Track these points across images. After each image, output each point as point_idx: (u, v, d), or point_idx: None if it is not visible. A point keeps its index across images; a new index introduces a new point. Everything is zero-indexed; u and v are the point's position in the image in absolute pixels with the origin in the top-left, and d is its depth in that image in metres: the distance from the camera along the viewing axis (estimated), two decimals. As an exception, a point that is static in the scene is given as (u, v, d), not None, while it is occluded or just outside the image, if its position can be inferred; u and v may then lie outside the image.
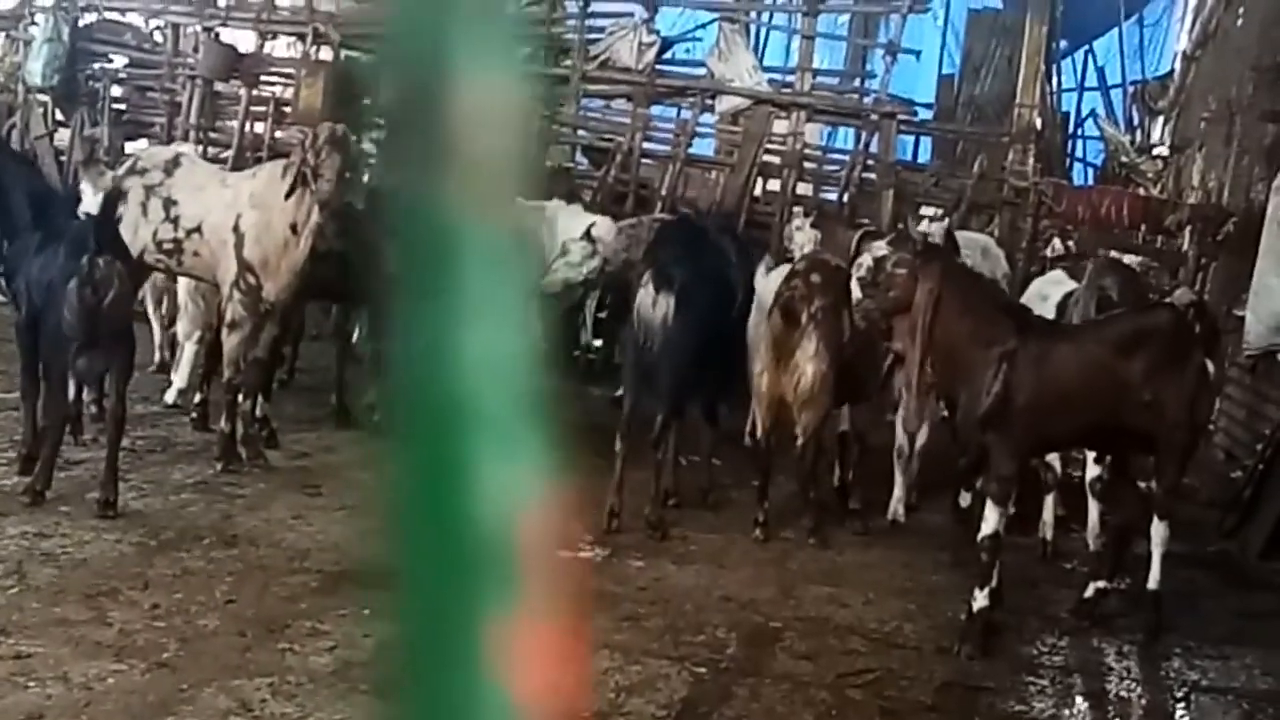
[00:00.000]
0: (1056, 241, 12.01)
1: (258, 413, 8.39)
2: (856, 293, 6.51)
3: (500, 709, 0.90)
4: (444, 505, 0.92)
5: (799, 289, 7.48)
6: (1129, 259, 9.81)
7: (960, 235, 10.06)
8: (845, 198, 12.57)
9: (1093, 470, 7.42)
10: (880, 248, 6.82)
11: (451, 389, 0.91)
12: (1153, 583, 6.54)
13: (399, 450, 0.93)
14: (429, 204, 0.92)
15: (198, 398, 8.86)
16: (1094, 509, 7.44)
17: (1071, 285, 8.21)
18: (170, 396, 9.24)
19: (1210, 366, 6.54)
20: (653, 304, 7.47)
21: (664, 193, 12.74)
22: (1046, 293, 8.16)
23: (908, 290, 6.27)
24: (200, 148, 12.22)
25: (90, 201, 8.78)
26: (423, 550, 0.92)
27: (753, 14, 14.30)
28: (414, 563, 0.92)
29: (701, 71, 13.39)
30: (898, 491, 8.29)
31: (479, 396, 0.91)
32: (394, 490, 0.93)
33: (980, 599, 6.23)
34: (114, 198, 7.89)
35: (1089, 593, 6.85)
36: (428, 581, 0.92)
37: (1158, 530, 6.49)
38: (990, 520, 6.22)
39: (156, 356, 9.92)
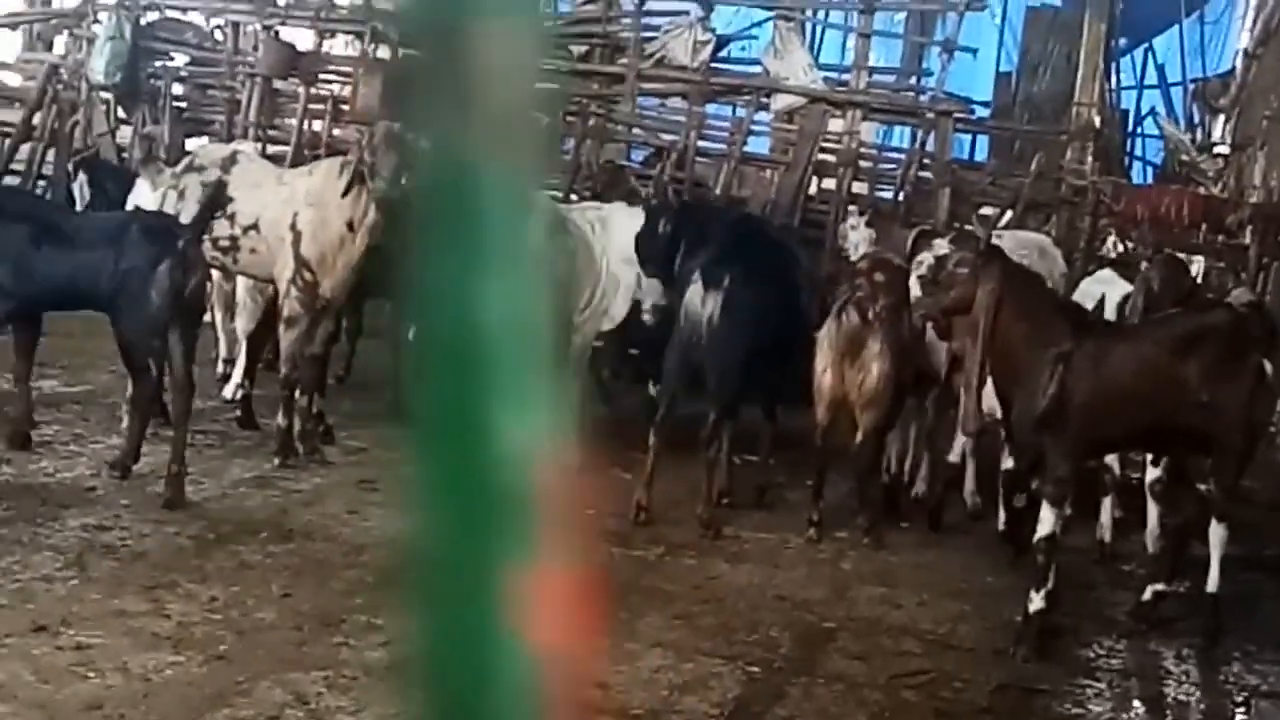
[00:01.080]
0: (1112, 240, 11.90)
1: (314, 409, 8.45)
2: (916, 291, 6.46)
3: (517, 657, 0.90)
4: (462, 455, 0.92)
5: (864, 288, 7.46)
6: (1190, 259, 9.67)
7: (1017, 235, 9.99)
8: (901, 196, 12.50)
9: (1153, 472, 7.34)
10: (942, 246, 6.78)
11: (469, 339, 0.92)
12: (1211, 585, 6.47)
13: (417, 401, 0.94)
14: (448, 151, 0.92)
15: (240, 394, 8.92)
16: (1153, 511, 7.36)
17: (1124, 285, 8.14)
18: (229, 392, 9.32)
19: (1269, 368, 6.46)
20: (701, 302, 7.47)
21: (719, 191, 12.71)
22: (1096, 292, 8.09)
23: (969, 290, 6.23)
24: (259, 145, 12.31)
25: (148, 198, 8.87)
26: (441, 500, 0.93)
27: (808, 11, 14.25)
28: (432, 512, 0.94)
29: (757, 70, 13.35)
30: (969, 484, 8.27)
31: (497, 345, 0.92)
32: (413, 441, 0.94)
33: (1037, 601, 6.19)
34: (218, 193, 8.06)
35: (1147, 595, 6.79)
36: (446, 531, 0.93)
37: (1215, 533, 6.42)
38: (1046, 522, 6.17)
39: (221, 352, 9.99)
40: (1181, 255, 9.01)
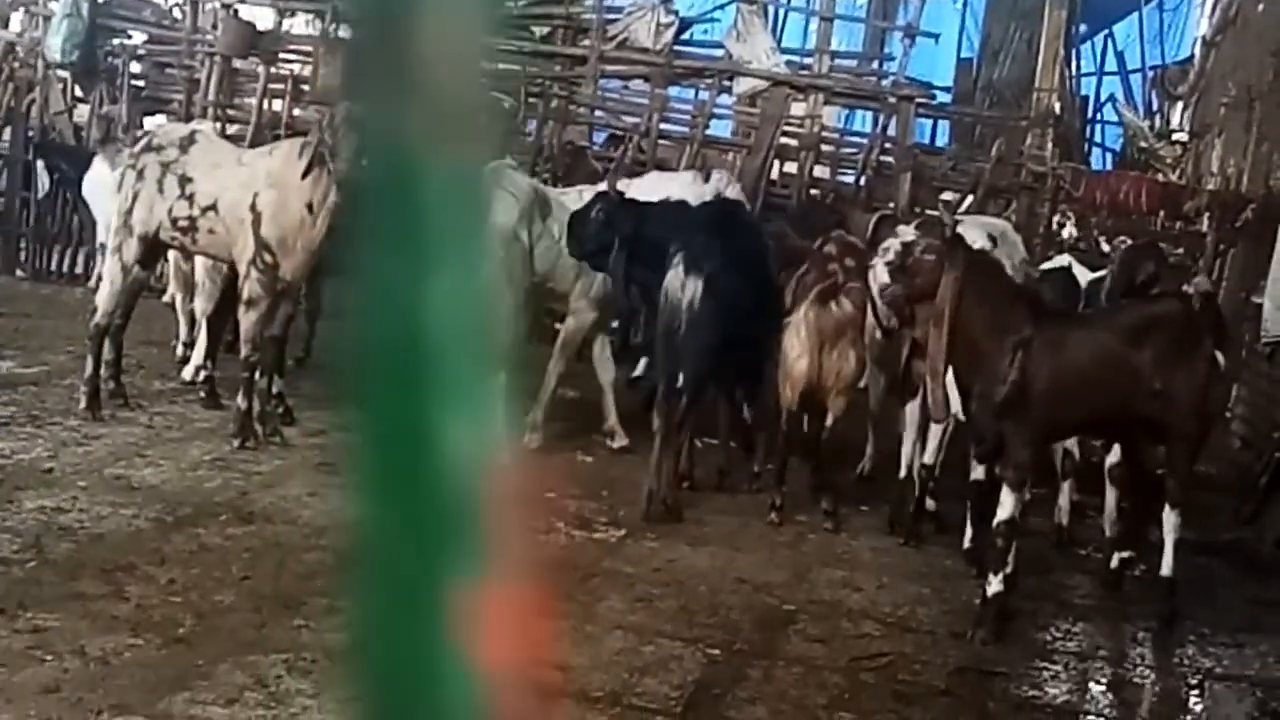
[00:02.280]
0: (1069, 227, 11.97)
1: (273, 390, 8.41)
2: (883, 278, 6.47)
3: (463, 676, 0.87)
4: (406, 461, 0.89)
5: (838, 274, 7.48)
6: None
7: (978, 220, 10.03)
8: (862, 181, 12.53)
9: (1112, 456, 7.42)
10: (908, 233, 6.79)
11: (413, 338, 0.88)
12: (1166, 569, 6.56)
13: (360, 403, 0.90)
14: (392, 139, 0.89)
15: (202, 375, 8.89)
16: (1111, 495, 7.44)
17: (1084, 271, 8.20)
18: (188, 373, 9.27)
19: (1220, 357, 6.57)
20: (681, 286, 7.46)
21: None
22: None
23: (934, 277, 6.25)
24: (218, 125, 12.22)
25: (105, 179, 8.80)
26: (384, 509, 0.90)
27: (771, -5, 14.25)
28: (375, 522, 0.90)
29: (719, 53, 13.34)
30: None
31: (442, 347, 0.88)
32: (355, 446, 0.90)
33: (995, 584, 6.24)
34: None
35: (1115, 562, 7.00)
36: (389, 542, 0.89)
37: (1170, 518, 6.52)
38: (1006, 506, 6.22)
39: (180, 335, 9.92)
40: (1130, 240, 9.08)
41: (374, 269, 0.90)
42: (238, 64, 13.49)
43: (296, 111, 13.04)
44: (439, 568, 0.87)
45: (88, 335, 8.38)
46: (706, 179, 9.46)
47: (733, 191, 9.33)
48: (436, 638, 0.87)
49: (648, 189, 8.92)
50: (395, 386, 0.89)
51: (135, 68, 13.83)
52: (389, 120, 0.89)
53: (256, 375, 8.12)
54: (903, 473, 7.79)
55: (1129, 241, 8.57)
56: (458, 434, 0.88)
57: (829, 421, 7.69)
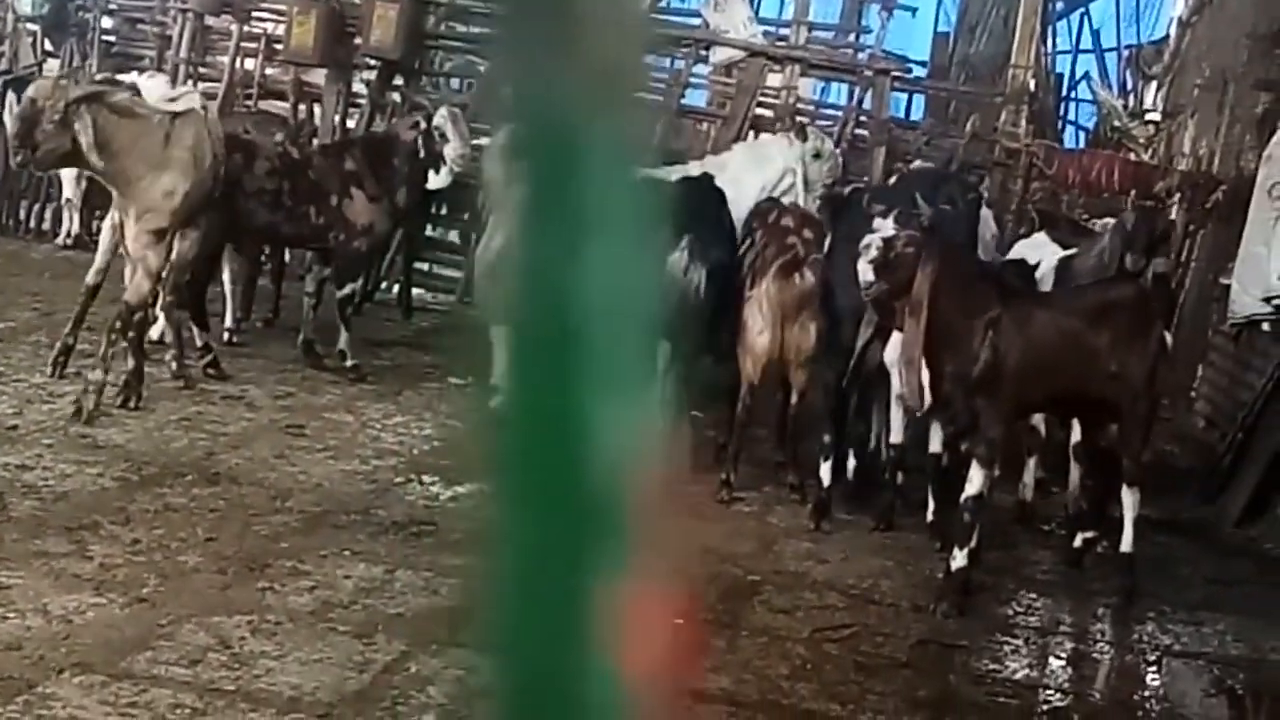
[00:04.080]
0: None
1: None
2: (868, 276, 6.47)
3: (606, 683, 0.82)
4: (552, 452, 0.83)
5: (799, 248, 7.49)
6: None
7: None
8: (837, 153, 12.50)
9: (1076, 433, 7.48)
10: (888, 227, 6.79)
11: (566, 319, 0.82)
12: (1125, 546, 6.67)
13: (507, 388, 0.83)
14: (549, 108, 0.83)
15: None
16: (1075, 471, 7.50)
17: (1056, 249, 8.24)
18: (155, 333, 9.20)
19: (1169, 338, 6.74)
20: (684, 271, 7.46)
21: (654, 144, 12.66)
22: (1031, 257, 8.17)
23: (913, 270, 6.28)
24: (191, 83, 12.11)
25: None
26: (527, 503, 0.83)
27: (749, -35, 14.19)
28: (517, 516, 0.83)
29: (696, 22, 13.29)
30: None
31: (598, 331, 0.82)
32: (498, 433, 0.84)
33: (959, 558, 6.29)
34: None
35: (1077, 542, 7.10)
36: (531, 538, 0.83)
37: (1128, 496, 6.64)
38: (975, 482, 6.27)
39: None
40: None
41: (526, 243, 0.84)
42: (211, 21, 13.36)
43: (269, 71, 12.93)
44: (585, 571, 0.82)
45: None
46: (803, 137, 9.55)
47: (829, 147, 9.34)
48: (579, 639, 0.82)
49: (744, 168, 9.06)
50: (545, 369, 0.83)
51: (106, 23, 13.68)
52: (546, 86, 0.83)
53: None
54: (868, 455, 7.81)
55: (1112, 220, 8.64)
56: (609, 423, 0.82)
57: (794, 396, 7.71)
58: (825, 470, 7.41)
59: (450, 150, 9.38)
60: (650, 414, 0.84)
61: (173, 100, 8.36)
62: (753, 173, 8.99)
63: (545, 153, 0.84)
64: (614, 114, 0.84)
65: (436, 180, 9.51)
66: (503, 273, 0.85)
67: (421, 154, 9.35)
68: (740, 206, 8.43)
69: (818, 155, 9.21)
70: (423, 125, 9.43)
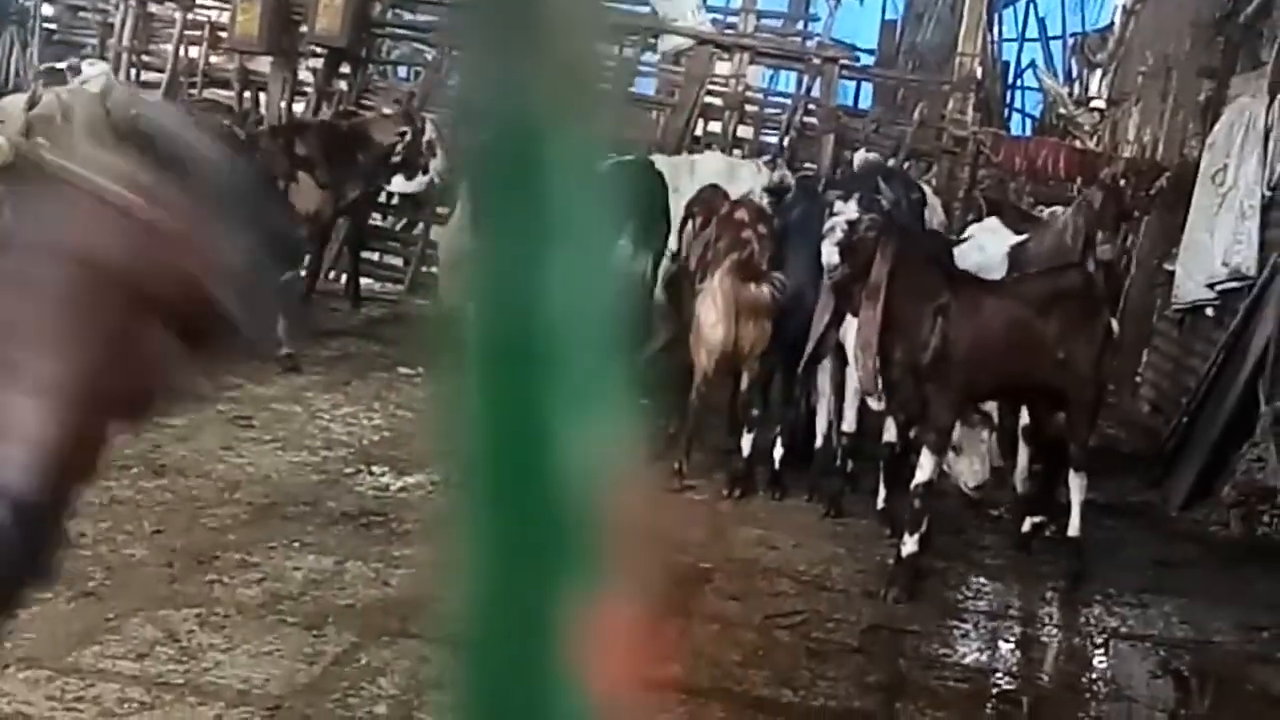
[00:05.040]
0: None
1: None
2: (833, 259, 6.48)
3: (574, 702, 0.79)
4: (518, 466, 0.80)
5: (753, 241, 7.50)
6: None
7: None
8: (786, 141, 12.54)
9: (1024, 418, 7.52)
10: (850, 210, 6.81)
11: (530, 327, 0.79)
12: (1073, 530, 6.74)
13: (467, 399, 0.81)
14: (512, 108, 0.80)
15: None
16: (1024, 453, 7.55)
17: (1009, 235, 8.29)
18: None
19: (1115, 325, 6.80)
20: (629, 258, 7.50)
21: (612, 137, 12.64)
22: (984, 242, 8.22)
23: (872, 254, 6.31)
24: (134, 71, 11.99)
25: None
26: (492, 519, 0.81)
27: (697, -48, 14.18)
28: (483, 533, 0.81)
29: (645, 9, 13.27)
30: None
31: (562, 337, 0.79)
32: (461, 447, 0.81)
33: (909, 544, 6.33)
34: None
35: (1026, 527, 7.17)
36: (497, 554, 0.81)
37: (1074, 481, 6.73)
38: (925, 468, 6.32)
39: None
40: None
41: (488, 250, 0.81)
42: (153, 8, 13.22)
43: (213, 59, 12.81)
44: (553, 586, 0.79)
45: None
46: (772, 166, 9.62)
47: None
48: (547, 656, 0.79)
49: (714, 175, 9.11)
50: (509, 380, 0.80)
51: (48, 10, 13.51)
52: (511, 90, 0.80)
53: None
54: (819, 441, 7.82)
55: (1059, 208, 8.74)
56: (576, 436, 0.79)
57: (744, 385, 7.74)
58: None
59: (436, 164, 9.38)
60: (619, 427, 0.81)
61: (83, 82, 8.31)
62: (721, 183, 9.00)
63: (507, 155, 0.81)
64: (578, 114, 0.81)
65: (408, 185, 9.50)
66: (463, 272, 0.82)
67: (397, 158, 9.32)
68: None
69: (774, 190, 9.29)
70: (407, 134, 9.40)
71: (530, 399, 0.79)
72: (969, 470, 6.61)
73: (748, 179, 9.24)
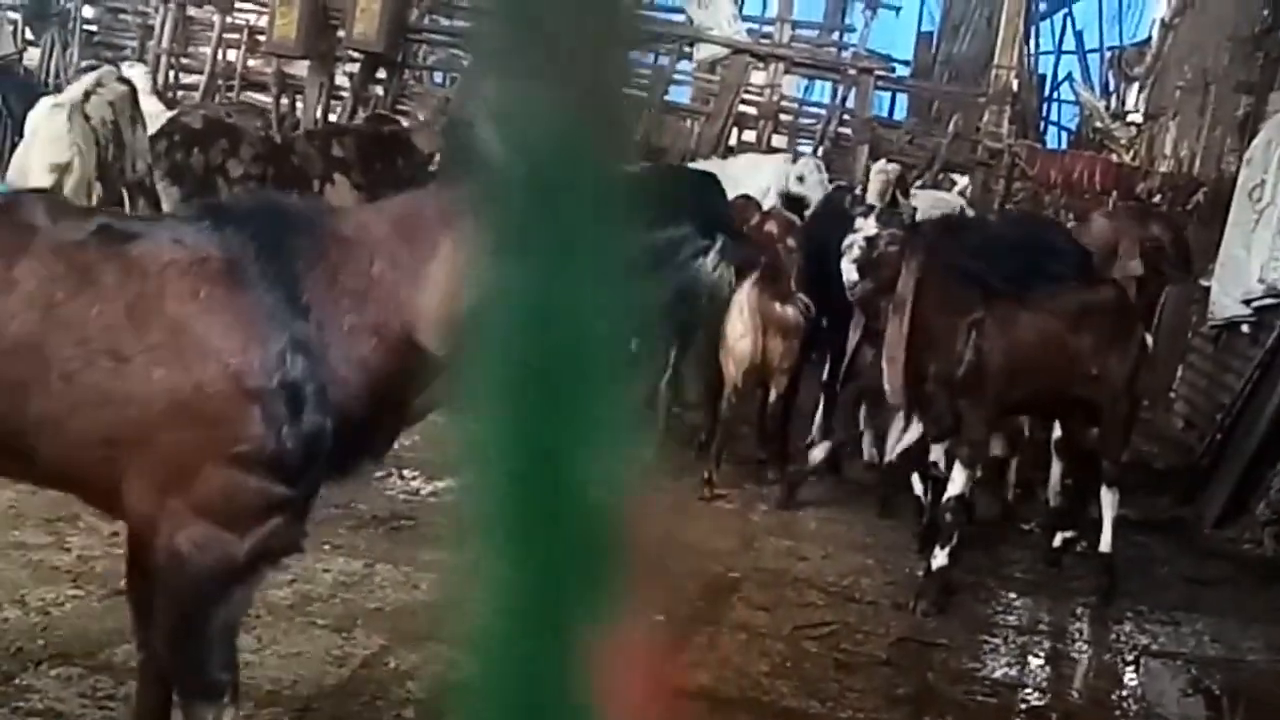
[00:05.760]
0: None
1: None
2: (852, 275, 6.48)
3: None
4: (533, 494, 0.79)
5: (782, 252, 7.51)
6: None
7: (931, 195, 10.08)
8: (819, 152, 12.54)
9: (1058, 431, 7.50)
10: (870, 226, 6.80)
11: (549, 354, 0.78)
12: (1104, 546, 6.69)
13: (483, 422, 0.80)
14: (535, 132, 0.79)
15: None
16: (1056, 468, 7.52)
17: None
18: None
19: (1149, 340, 6.75)
20: (714, 269, 7.49)
21: (638, 140, 12.68)
22: None
23: (896, 269, 6.30)
24: (172, 74, 12.07)
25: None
26: (508, 545, 0.80)
27: (733, -38, 14.20)
28: (498, 559, 0.80)
29: (681, 18, 13.30)
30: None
31: (581, 365, 0.78)
32: (477, 476, 0.80)
33: (940, 557, 6.31)
34: None
35: (1057, 541, 7.10)
36: (513, 581, 0.79)
37: (1107, 497, 6.67)
38: (958, 482, 6.30)
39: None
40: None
41: (507, 272, 0.79)
42: (193, 11, 13.31)
43: (251, 62, 12.89)
44: (568, 612, 0.79)
45: None
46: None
47: (815, 175, 9.43)
48: (562, 689, 0.79)
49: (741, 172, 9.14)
50: (527, 407, 0.79)
51: (88, 12, 13.63)
52: (533, 113, 0.79)
53: None
54: (866, 455, 7.82)
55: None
56: (590, 460, 0.78)
57: (773, 397, 7.75)
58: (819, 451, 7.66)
59: None
60: (632, 447, 0.81)
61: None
62: (748, 179, 9.05)
63: (529, 178, 0.80)
64: (603, 139, 0.81)
65: None
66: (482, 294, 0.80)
67: (435, 168, 9.36)
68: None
69: (801, 179, 9.26)
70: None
71: (547, 420, 0.78)
72: (952, 484, 6.52)
73: (769, 172, 9.23)
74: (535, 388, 0.78)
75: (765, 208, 8.70)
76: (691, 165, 9.70)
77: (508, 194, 0.80)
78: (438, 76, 14.53)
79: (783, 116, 12.97)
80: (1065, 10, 20.65)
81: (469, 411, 0.80)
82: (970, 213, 9.13)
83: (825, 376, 8.29)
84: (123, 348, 3.03)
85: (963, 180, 11.73)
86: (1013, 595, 6.74)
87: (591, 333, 0.79)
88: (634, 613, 0.79)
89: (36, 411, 3.07)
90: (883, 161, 10.69)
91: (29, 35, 13.57)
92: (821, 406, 8.48)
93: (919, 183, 11.45)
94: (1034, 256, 6.86)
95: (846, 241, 6.94)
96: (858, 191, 9.25)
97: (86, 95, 8.10)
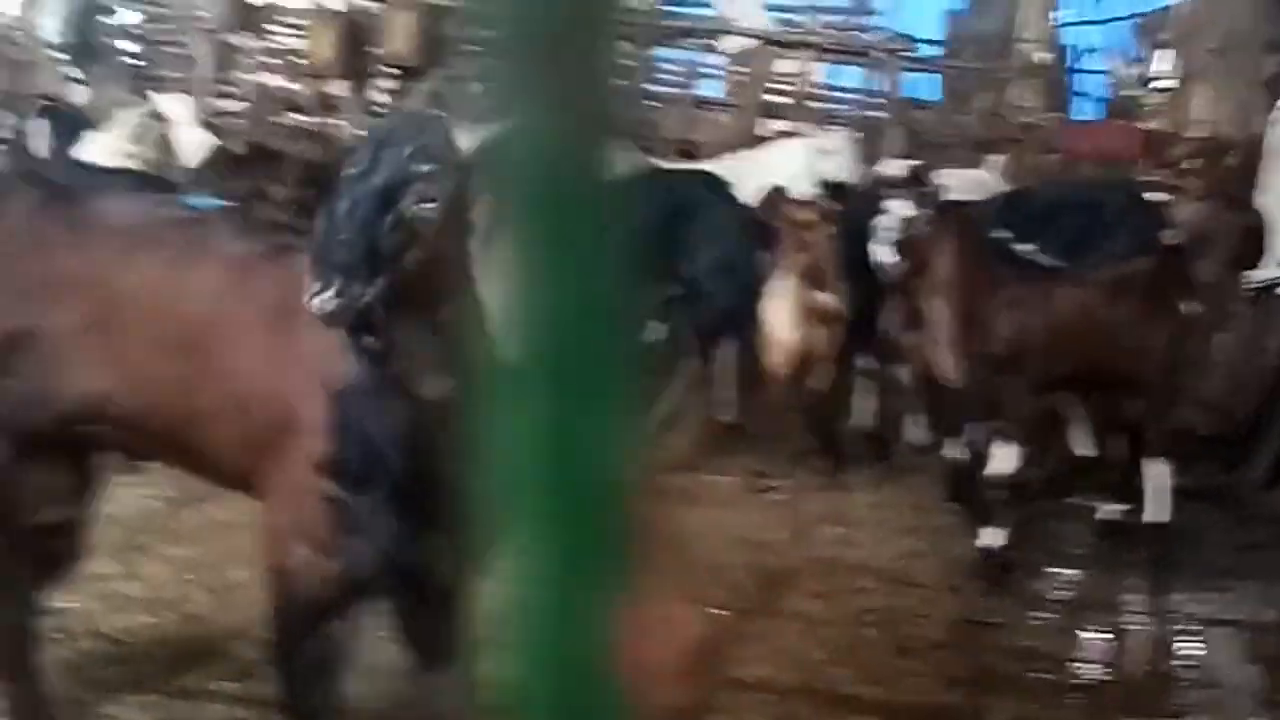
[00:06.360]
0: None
1: None
2: (888, 257, 6.53)
3: (614, 700, 0.83)
4: (549, 480, 0.84)
5: (819, 241, 7.58)
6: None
7: (964, 174, 10.09)
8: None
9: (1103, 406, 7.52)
10: (904, 208, 6.85)
11: (556, 349, 0.84)
12: (1153, 517, 6.70)
13: (490, 415, 0.85)
14: (536, 137, 0.84)
15: None
16: (1107, 442, 7.56)
17: None
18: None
19: (1189, 308, 6.74)
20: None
21: (668, 137, 12.75)
22: None
23: (932, 249, 6.34)
24: (215, 100, 12.22)
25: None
26: (529, 529, 0.85)
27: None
28: (520, 543, 0.85)
29: (707, 12, 13.36)
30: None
31: (586, 352, 0.84)
32: (495, 465, 0.85)
33: (990, 537, 6.37)
34: None
35: (1106, 515, 7.19)
36: (536, 563, 0.85)
37: (1153, 467, 6.67)
38: (1003, 460, 6.34)
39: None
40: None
41: (518, 275, 0.85)
42: (231, 39, 13.48)
43: (295, 85, 13.05)
44: (590, 592, 0.84)
45: None
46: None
47: (844, 151, 9.42)
48: (590, 665, 0.84)
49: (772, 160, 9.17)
50: (539, 397, 0.84)
51: (131, 46, 13.81)
52: (537, 125, 0.85)
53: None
54: (911, 438, 8.03)
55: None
56: (601, 444, 0.84)
57: (818, 385, 7.83)
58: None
59: None
60: (641, 434, 0.86)
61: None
62: (780, 166, 9.08)
63: (534, 188, 0.85)
64: (603, 152, 0.86)
65: None
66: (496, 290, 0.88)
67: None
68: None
69: (826, 153, 9.28)
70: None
71: (559, 415, 0.84)
72: (1002, 458, 6.56)
73: (800, 157, 9.24)
74: (549, 380, 0.84)
75: (800, 195, 8.71)
76: (724, 158, 9.70)
77: (516, 200, 0.86)
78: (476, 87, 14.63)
79: (813, 104, 13.02)
80: (1090, -22, 20.53)
81: (491, 407, 0.85)
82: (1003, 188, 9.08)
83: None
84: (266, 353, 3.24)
85: (994, 158, 11.71)
86: (1065, 571, 6.79)
87: (604, 326, 0.85)
88: (652, 590, 0.85)
89: (199, 407, 3.35)
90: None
91: (73, 73, 13.78)
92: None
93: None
94: (1091, 224, 6.85)
95: (882, 226, 6.98)
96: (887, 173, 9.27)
97: (137, 138, 8.32)
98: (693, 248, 7.92)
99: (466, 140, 2.80)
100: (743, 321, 7.99)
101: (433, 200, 2.80)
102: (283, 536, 3.29)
